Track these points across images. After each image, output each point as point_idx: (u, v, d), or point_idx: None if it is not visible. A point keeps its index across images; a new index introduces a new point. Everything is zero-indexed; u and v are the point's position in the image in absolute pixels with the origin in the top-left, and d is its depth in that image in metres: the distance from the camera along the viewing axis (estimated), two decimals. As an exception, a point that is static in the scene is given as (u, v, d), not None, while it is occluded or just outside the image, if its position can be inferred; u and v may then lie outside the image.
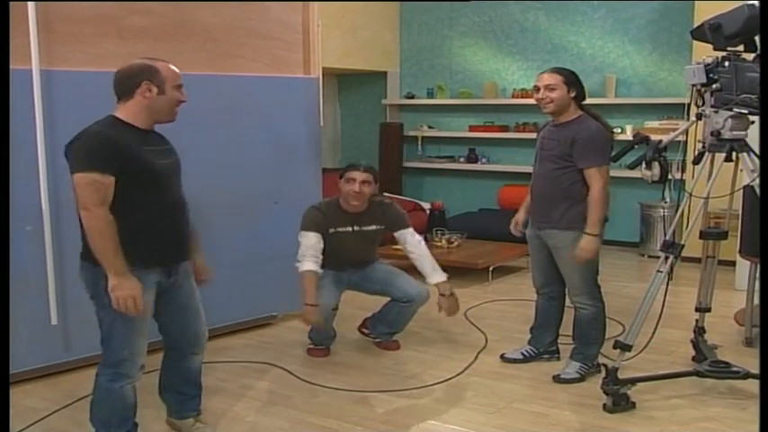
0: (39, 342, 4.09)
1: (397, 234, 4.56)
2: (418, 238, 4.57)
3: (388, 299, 4.62)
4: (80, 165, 2.94)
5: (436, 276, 4.47)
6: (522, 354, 4.43)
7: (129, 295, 2.90)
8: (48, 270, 4.06)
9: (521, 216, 4.35)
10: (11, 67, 3.82)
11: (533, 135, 7.92)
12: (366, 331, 4.86)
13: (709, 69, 3.57)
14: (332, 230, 4.42)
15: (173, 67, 3.16)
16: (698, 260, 4.20)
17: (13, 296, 3.95)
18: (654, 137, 3.89)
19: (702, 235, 3.99)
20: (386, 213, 4.56)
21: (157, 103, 3.09)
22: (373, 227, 4.52)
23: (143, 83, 3.04)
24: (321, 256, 4.33)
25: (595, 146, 3.87)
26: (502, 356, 4.49)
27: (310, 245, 4.33)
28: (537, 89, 3.99)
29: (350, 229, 4.46)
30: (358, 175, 4.35)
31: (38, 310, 4.03)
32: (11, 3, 3.81)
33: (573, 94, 3.94)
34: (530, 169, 4.23)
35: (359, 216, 4.47)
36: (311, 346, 4.65)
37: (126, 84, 3.08)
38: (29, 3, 3.87)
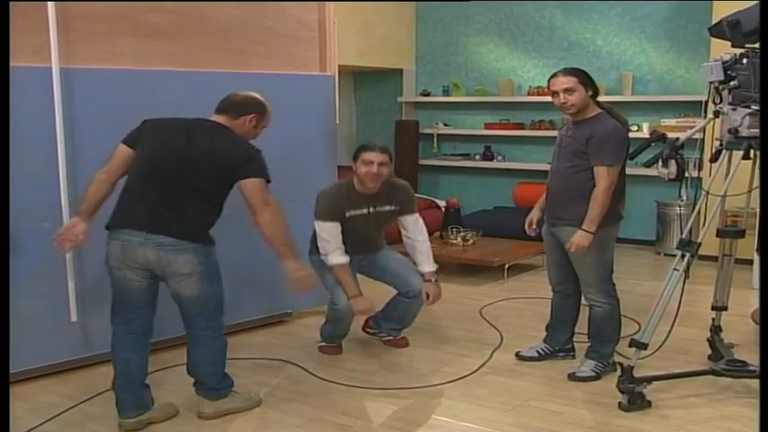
0: (57, 338, 4.13)
1: (402, 218, 4.50)
2: (421, 224, 4.53)
3: (393, 295, 4.59)
4: (263, 172, 3.46)
5: (428, 266, 4.48)
6: (538, 352, 4.43)
7: (307, 275, 3.57)
8: (67, 266, 4.09)
9: (535, 215, 4.34)
10: (30, 65, 3.88)
11: (549, 132, 8.03)
12: (371, 330, 4.82)
13: (727, 66, 3.54)
14: (349, 214, 4.33)
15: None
16: (715, 258, 4.18)
17: (32, 292, 4.00)
18: (670, 134, 3.87)
19: (719, 233, 3.97)
20: (399, 194, 4.47)
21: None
22: (388, 207, 4.43)
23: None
24: (343, 245, 4.30)
25: (609, 145, 3.85)
26: (517, 354, 4.48)
27: (332, 235, 4.28)
28: (555, 93, 3.96)
29: (366, 211, 4.38)
30: (375, 157, 4.24)
31: (57, 307, 4.07)
32: (30, 2, 3.85)
33: (590, 93, 3.93)
34: (545, 167, 4.23)
35: (374, 197, 4.38)
36: (323, 344, 4.64)
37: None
38: (49, 3, 3.90)
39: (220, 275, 3.61)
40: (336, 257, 4.29)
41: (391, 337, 4.70)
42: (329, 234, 4.29)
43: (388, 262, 4.57)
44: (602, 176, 3.84)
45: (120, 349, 3.54)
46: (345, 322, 4.46)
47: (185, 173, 3.38)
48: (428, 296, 4.45)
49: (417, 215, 4.54)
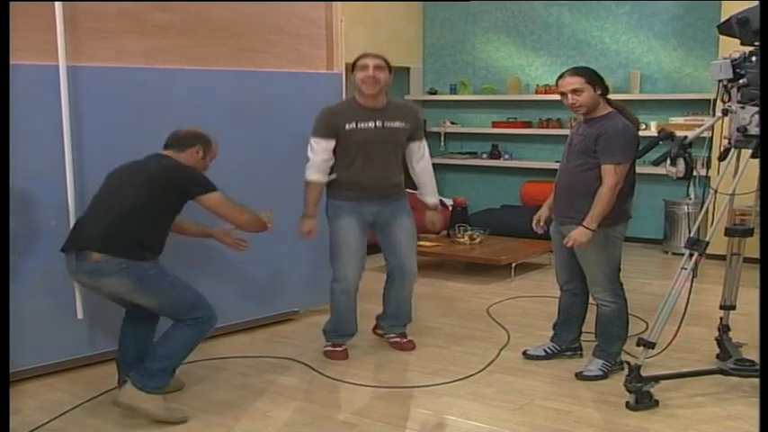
0: (64, 336, 4.13)
1: (411, 144, 4.36)
2: (427, 152, 4.45)
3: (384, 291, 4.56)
4: (212, 185, 3.64)
5: (432, 198, 4.50)
6: (545, 351, 4.42)
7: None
8: (73, 264, 4.10)
9: (543, 213, 4.32)
10: (37, 63, 3.88)
11: (556, 131, 8.02)
12: (380, 332, 4.75)
13: (736, 64, 3.53)
14: (349, 126, 4.11)
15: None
16: (723, 257, 4.16)
17: (39, 290, 4.01)
18: (679, 133, 3.86)
19: (728, 232, 3.95)
20: (407, 112, 4.32)
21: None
22: (398, 123, 4.21)
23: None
24: (328, 167, 4.19)
25: (618, 143, 3.83)
26: (524, 353, 4.47)
27: (317, 153, 4.13)
28: (563, 95, 3.94)
29: (372, 124, 4.14)
30: (370, 60, 4.09)
31: (63, 305, 4.07)
32: (38, 1, 3.86)
33: (599, 92, 3.92)
34: (553, 165, 4.22)
35: (380, 111, 4.16)
36: (329, 348, 4.50)
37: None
38: (56, 3, 3.90)
39: (174, 281, 3.59)
40: (315, 174, 4.17)
41: (398, 339, 4.63)
42: (319, 149, 4.14)
43: (398, 232, 4.36)
44: (609, 174, 3.82)
45: (124, 323, 3.79)
46: (348, 301, 4.35)
47: (123, 191, 3.54)
48: (433, 223, 4.51)
49: (425, 142, 4.45)
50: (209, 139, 3.77)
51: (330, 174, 4.25)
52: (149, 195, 3.52)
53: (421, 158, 4.41)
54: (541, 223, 4.33)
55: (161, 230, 3.61)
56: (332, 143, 4.15)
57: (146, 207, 3.51)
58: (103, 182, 3.68)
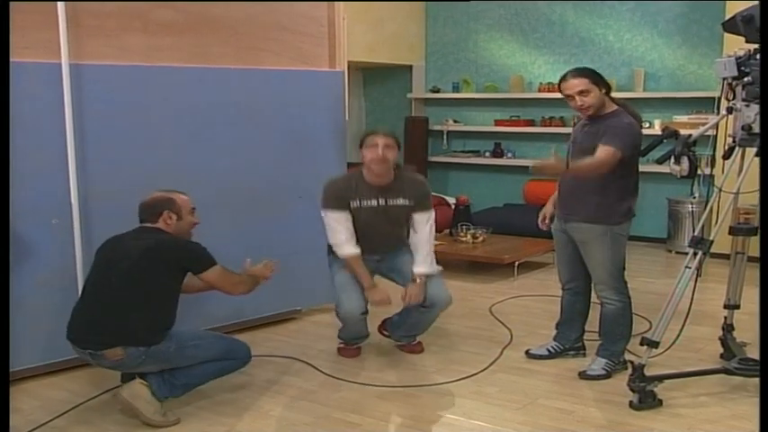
0: (65, 334, 4.13)
1: (414, 215, 4.25)
2: (432, 225, 4.27)
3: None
4: (212, 257, 3.63)
5: (422, 266, 4.21)
6: (548, 350, 4.40)
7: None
8: (76, 262, 4.09)
9: (548, 209, 4.30)
10: (39, 61, 3.87)
11: (560, 129, 8.01)
12: (386, 333, 4.67)
13: (741, 62, 3.51)
14: (355, 204, 4.14)
15: (185, 197, 3.70)
16: (727, 256, 4.15)
17: (41, 288, 4.00)
18: (683, 131, 3.84)
19: (732, 231, 3.93)
20: (413, 188, 4.25)
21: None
22: (400, 201, 4.20)
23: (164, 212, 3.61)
24: (355, 236, 4.15)
25: (622, 135, 3.77)
26: (527, 352, 4.46)
27: (341, 224, 4.12)
28: (570, 97, 3.90)
29: (375, 202, 4.17)
30: (380, 140, 4.06)
31: (65, 303, 4.05)
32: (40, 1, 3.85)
33: (604, 91, 3.90)
34: (555, 164, 4.18)
35: (385, 189, 4.17)
36: (342, 345, 4.53)
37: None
38: (59, 1, 3.89)
39: (198, 342, 3.62)
40: (347, 248, 4.15)
41: (404, 343, 4.57)
42: (337, 223, 4.14)
43: (407, 267, 4.27)
44: (602, 152, 3.74)
45: None
46: (355, 325, 4.33)
47: (123, 279, 3.45)
48: (408, 296, 4.19)
49: (432, 214, 4.30)
50: (169, 198, 3.64)
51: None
52: (153, 281, 3.46)
53: (423, 228, 4.25)
54: (546, 221, 4.32)
55: (171, 308, 3.58)
56: (347, 214, 4.16)
57: (153, 294, 3.47)
58: (95, 261, 3.62)
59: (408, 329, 4.50)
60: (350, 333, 4.46)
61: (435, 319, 4.43)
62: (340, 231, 4.16)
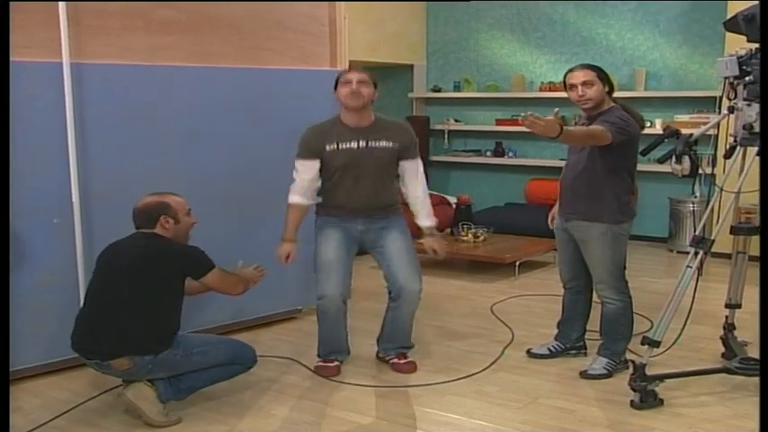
0: (67, 334, 4.12)
1: (401, 163, 4.06)
2: (422, 174, 4.13)
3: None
4: (210, 261, 3.62)
5: (428, 220, 4.15)
6: (549, 349, 4.40)
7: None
8: (78, 262, 4.09)
9: (557, 209, 4.29)
10: (41, 60, 3.87)
11: (561, 129, 7.96)
12: (380, 355, 4.39)
13: (743, 61, 3.51)
14: (331, 147, 3.92)
15: (179, 198, 3.62)
16: (728, 256, 4.14)
17: (43, 288, 4.00)
18: (684, 130, 3.84)
19: (733, 230, 3.93)
20: (397, 130, 4.04)
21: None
22: (383, 143, 3.96)
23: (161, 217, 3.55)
24: (314, 189, 4.01)
25: (613, 120, 3.76)
26: (528, 352, 4.46)
27: (301, 175, 3.97)
28: (572, 87, 3.92)
29: (355, 144, 3.92)
30: (353, 75, 3.89)
31: (67, 302, 4.07)
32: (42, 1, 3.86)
33: (607, 89, 3.91)
34: (557, 163, 4.21)
35: (365, 130, 3.94)
36: (320, 363, 4.23)
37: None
38: (60, 2, 3.89)
39: (205, 349, 3.61)
40: (293, 196, 4.00)
41: (396, 360, 4.26)
42: (298, 172, 3.99)
43: (392, 247, 4.06)
44: (594, 127, 3.73)
45: None
46: (334, 320, 4.09)
47: (127, 288, 3.43)
48: (434, 251, 4.16)
49: (419, 162, 4.12)
50: (163, 202, 3.57)
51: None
52: (154, 289, 3.45)
53: (413, 179, 4.11)
54: (556, 221, 4.31)
55: (174, 314, 3.57)
56: (315, 164, 3.97)
57: (155, 301, 3.46)
58: (96, 269, 3.59)
59: (392, 340, 4.27)
60: (327, 335, 4.18)
61: (411, 320, 4.21)
62: (297, 180, 4.01)
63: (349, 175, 3.98)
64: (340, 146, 3.94)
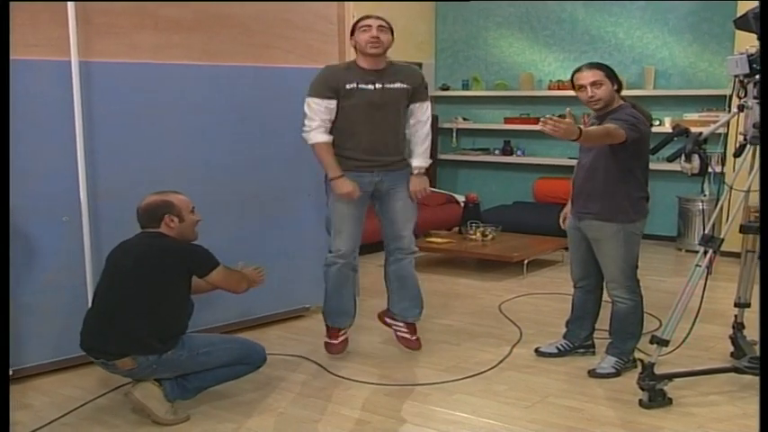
0: (75, 331, 4.14)
1: (413, 105, 4.17)
2: (429, 115, 4.23)
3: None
4: (214, 258, 3.59)
5: (421, 159, 4.19)
6: (557, 348, 4.39)
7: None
8: (86, 260, 4.10)
9: (569, 209, 4.27)
10: (49, 59, 3.88)
11: (570, 127, 7.95)
12: (388, 321, 4.51)
13: (753, 60, 3.50)
14: (350, 86, 3.96)
15: (182, 196, 3.60)
16: (737, 255, 4.13)
17: (51, 286, 4.02)
18: (693, 129, 3.82)
19: (743, 229, 3.91)
20: (410, 73, 4.16)
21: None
22: (398, 85, 4.07)
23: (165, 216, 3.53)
24: (330, 129, 4.01)
25: (625, 118, 3.75)
26: (536, 350, 4.45)
27: (318, 114, 3.94)
28: (581, 88, 3.90)
29: (372, 86, 3.99)
30: (373, 21, 3.97)
31: (75, 300, 4.08)
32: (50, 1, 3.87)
33: (616, 87, 3.90)
34: (565, 162, 4.20)
35: (380, 73, 4.02)
36: (327, 339, 4.37)
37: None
38: (69, 1, 3.90)
39: (210, 350, 3.60)
40: (315, 135, 3.97)
41: (406, 334, 4.43)
42: (313, 111, 3.96)
43: (396, 203, 4.18)
44: (608, 125, 3.70)
45: None
46: (342, 277, 4.19)
47: (133, 287, 3.44)
48: (415, 191, 4.18)
49: (428, 104, 4.21)
50: (167, 201, 3.55)
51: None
52: (159, 289, 3.45)
53: (421, 120, 4.19)
54: (569, 220, 4.29)
55: (180, 314, 3.58)
56: (333, 103, 3.98)
57: (160, 301, 3.45)
58: (104, 269, 3.59)
59: (400, 296, 4.36)
60: (334, 294, 4.25)
61: (412, 270, 4.32)
62: (313, 119, 3.98)
63: (364, 116, 4.02)
64: (359, 86, 4.00)
